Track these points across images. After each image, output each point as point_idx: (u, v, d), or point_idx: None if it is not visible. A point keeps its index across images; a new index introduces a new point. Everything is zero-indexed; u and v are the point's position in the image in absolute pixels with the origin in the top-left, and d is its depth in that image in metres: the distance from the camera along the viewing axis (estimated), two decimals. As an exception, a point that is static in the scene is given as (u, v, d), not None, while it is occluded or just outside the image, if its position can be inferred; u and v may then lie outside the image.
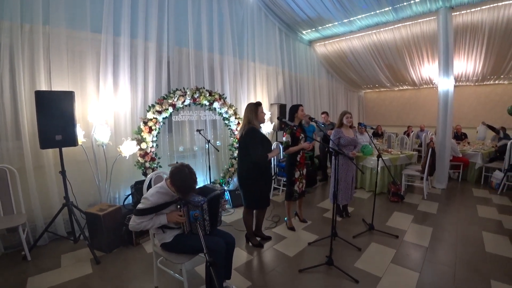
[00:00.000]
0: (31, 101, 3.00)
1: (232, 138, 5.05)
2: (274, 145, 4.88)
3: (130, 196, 3.73)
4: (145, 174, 3.73)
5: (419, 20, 6.03)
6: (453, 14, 5.41)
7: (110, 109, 3.67)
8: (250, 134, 2.85)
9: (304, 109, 3.55)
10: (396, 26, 6.39)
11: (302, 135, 3.33)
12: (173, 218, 2.07)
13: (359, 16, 6.14)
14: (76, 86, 3.41)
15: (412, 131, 9.11)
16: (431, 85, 9.07)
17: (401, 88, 10.40)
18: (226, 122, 4.94)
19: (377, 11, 5.86)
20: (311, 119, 3.71)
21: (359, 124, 3.97)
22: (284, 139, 3.32)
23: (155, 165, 3.83)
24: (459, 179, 6.13)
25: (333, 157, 2.76)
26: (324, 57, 8.47)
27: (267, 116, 5.61)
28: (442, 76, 5.38)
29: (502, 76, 7.78)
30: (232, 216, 4.14)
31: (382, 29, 6.61)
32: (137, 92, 3.96)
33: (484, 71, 7.47)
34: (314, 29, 7.10)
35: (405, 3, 5.47)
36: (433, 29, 5.99)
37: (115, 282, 2.51)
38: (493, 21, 5.53)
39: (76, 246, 3.15)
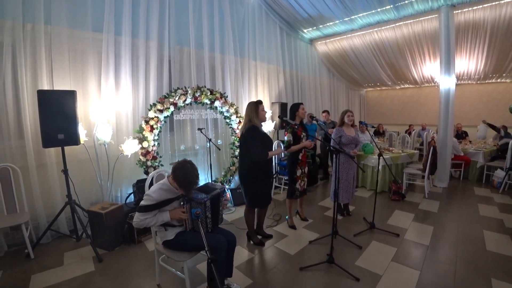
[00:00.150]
0: (33, 100, 3.02)
1: (233, 137, 5.07)
2: (275, 144, 4.89)
3: (132, 195, 3.76)
4: (146, 173, 3.75)
5: (420, 18, 6.01)
6: (454, 12, 5.38)
7: (111, 108, 3.68)
8: (250, 132, 2.85)
9: (305, 107, 3.56)
10: (397, 24, 6.36)
11: (303, 133, 3.33)
12: (176, 215, 2.09)
13: (360, 15, 6.12)
14: (78, 85, 3.42)
15: (414, 130, 9.09)
16: (432, 84, 9.05)
17: (402, 86, 10.38)
18: (227, 120, 4.95)
19: (378, 9, 5.84)
20: (312, 117, 3.72)
21: (360, 122, 3.97)
22: (285, 138, 3.33)
23: (156, 163, 3.85)
24: (461, 178, 6.13)
25: (334, 156, 2.77)
26: (325, 55, 8.45)
27: (268, 115, 5.61)
28: (443, 75, 5.37)
29: (504, 75, 7.75)
30: (233, 214, 4.15)
31: (383, 27, 6.59)
32: (138, 91, 3.98)
33: (486, 69, 7.45)
34: (315, 28, 7.08)
35: (406, 1, 5.46)
36: (435, 27, 5.97)
37: (117, 279, 2.53)
38: (495, 19, 5.50)
39: (78, 244, 3.18)
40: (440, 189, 5.36)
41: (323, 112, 6.19)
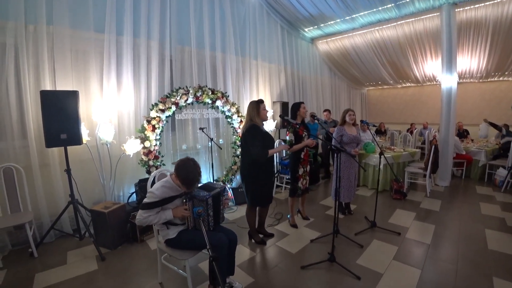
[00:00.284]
0: (36, 101, 3.05)
1: (234, 136, 5.08)
2: (276, 143, 4.90)
3: (134, 194, 3.78)
4: (148, 172, 3.77)
5: (422, 17, 5.99)
6: (456, 10, 5.37)
7: (113, 108, 3.71)
8: (251, 131, 2.87)
9: (306, 106, 3.57)
10: (398, 23, 6.35)
11: (305, 132, 3.34)
12: (178, 213, 2.11)
13: (362, 13, 6.11)
14: (80, 86, 3.44)
15: (415, 129, 9.07)
16: (434, 82, 9.02)
17: (404, 85, 10.34)
18: (229, 120, 4.97)
19: (380, 8, 5.83)
20: (313, 116, 3.72)
21: (361, 121, 3.97)
22: (287, 138, 3.34)
23: (158, 163, 3.87)
24: (463, 177, 6.11)
25: (335, 155, 2.77)
26: (327, 54, 8.44)
27: (269, 114, 5.62)
28: (445, 73, 5.35)
29: (506, 73, 7.71)
30: (235, 213, 4.16)
31: (384, 26, 6.57)
32: (140, 91, 4.00)
33: (488, 67, 7.40)
34: (316, 27, 7.08)
35: (407, 0, 5.44)
36: (436, 26, 5.95)
37: (120, 278, 2.56)
38: (497, 17, 5.47)
39: (81, 243, 3.21)
40: (441, 188, 5.35)
41: (324, 111, 6.20)
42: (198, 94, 4.31)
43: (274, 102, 6.27)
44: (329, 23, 6.76)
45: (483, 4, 5.33)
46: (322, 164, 6.23)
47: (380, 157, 3.65)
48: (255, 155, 2.82)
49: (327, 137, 5.48)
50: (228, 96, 4.90)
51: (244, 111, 5.22)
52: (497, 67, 7.32)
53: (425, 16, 5.94)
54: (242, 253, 2.98)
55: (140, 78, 3.99)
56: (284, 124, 5.82)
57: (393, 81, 9.81)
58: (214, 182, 4.43)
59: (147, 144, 3.73)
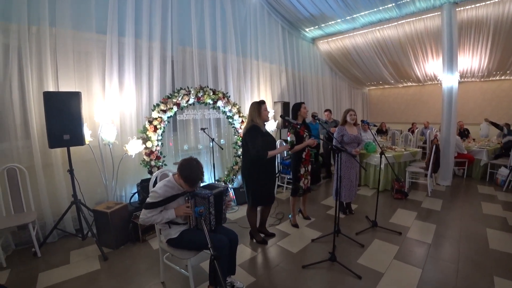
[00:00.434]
0: (39, 102, 3.07)
1: (236, 136, 5.09)
2: (278, 143, 4.91)
3: (136, 194, 3.80)
4: (150, 172, 3.80)
5: (422, 16, 5.99)
6: (457, 9, 5.36)
7: (116, 109, 3.73)
8: (251, 132, 2.90)
9: (307, 106, 3.58)
10: (399, 22, 6.35)
11: (306, 132, 3.35)
12: (180, 211, 2.13)
13: (362, 13, 6.12)
14: (83, 87, 3.47)
15: (417, 128, 9.05)
16: (435, 82, 9.01)
17: (405, 84, 10.33)
18: (230, 120, 4.98)
19: (380, 8, 5.83)
20: (314, 117, 3.73)
21: (362, 121, 3.98)
22: (288, 138, 3.35)
23: (160, 163, 3.89)
24: (464, 176, 6.10)
25: (336, 155, 2.78)
26: (328, 54, 8.44)
27: (270, 114, 5.64)
28: (446, 73, 5.34)
29: (508, 72, 7.69)
30: (236, 213, 4.19)
31: (385, 26, 6.58)
32: (142, 92, 4.02)
33: (490, 66, 7.39)
34: (317, 27, 7.09)
35: (408, -1, 5.45)
36: (437, 25, 5.94)
37: (122, 277, 2.58)
38: (498, 16, 5.46)
39: (84, 243, 3.23)
40: (443, 187, 5.35)
41: (325, 111, 6.21)
42: (200, 94, 4.33)
43: (275, 102, 6.28)
44: (329, 23, 6.77)
45: (483, 3, 5.33)
46: (323, 164, 6.24)
47: (381, 157, 3.65)
48: (254, 156, 2.84)
49: (328, 137, 5.49)
50: (229, 96, 4.91)
51: (245, 111, 5.24)
52: (498, 66, 7.31)
53: (426, 16, 5.94)
54: (244, 252, 3.00)
55: (142, 79, 4.02)
56: (285, 124, 5.84)
57: (394, 80, 9.80)
58: (216, 182, 4.46)
59: (149, 144, 3.76)
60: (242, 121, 4.97)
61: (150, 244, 3.25)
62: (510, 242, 3.08)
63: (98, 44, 3.60)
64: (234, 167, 5.01)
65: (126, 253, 3.05)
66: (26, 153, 3.16)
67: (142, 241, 3.29)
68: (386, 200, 4.64)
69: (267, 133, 3.06)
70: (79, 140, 2.98)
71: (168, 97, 4.03)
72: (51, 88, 3.20)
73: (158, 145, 3.88)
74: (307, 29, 7.30)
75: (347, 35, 7.31)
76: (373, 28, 6.76)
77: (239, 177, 4.99)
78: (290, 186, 3.71)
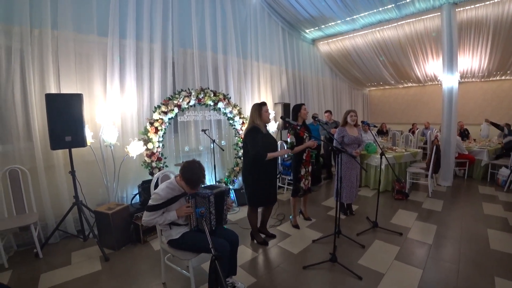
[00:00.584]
0: (41, 104, 3.09)
1: (236, 138, 5.11)
2: (279, 145, 4.92)
3: (138, 195, 3.82)
4: (151, 174, 3.81)
5: (422, 17, 6.01)
6: (457, 10, 5.38)
7: (117, 111, 3.75)
8: (251, 133, 2.92)
9: (307, 108, 3.59)
10: (399, 23, 6.37)
11: (306, 134, 3.36)
12: (181, 212, 2.15)
13: (362, 14, 6.14)
14: (84, 88, 3.50)
15: (417, 129, 9.05)
16: (436, 82, 9.01)
17: (405, 85, 10.34)
18: (231, 122, 5.00)
19: (380, 9, 5.85)
20: (314, 118, 3.75)
21: (362, 122, 3.99)
22: (288, 140, 3.36)
23: (161, 164, 3.91)
24: (465, 177, 6.09)
25: (336, 156, 2.79)
26: (328, 55, 8.46)
27: (271, 116, 5.65)
28: (446, 73, 5.35)
29: (508, 72, 7.70)
30: (237, 214, 4.19)
31: (385, 27, 6.60)
32: (143, 93, 4.04)
33: (490, 66, 7.40)
34: (317, 28, 7.11)
35: (408, 0, 5.46)
36: (437, 26, 5.96)
37: (123, 278, 2.59)
38: (497, 16, 5.48)
39: (85, 244, 3.25)
40: (444, 188, 5.35)
41: (325, 112, 6.22)
42: (200, 96, 4.34)
43: (275, 104, 6.30)
44: (329, 24, 6.79)
45: (483, 4, 5.34)
46: (324, 165, 6.25)
47: (381, 158, 3.65)
48: (253, 156, 2.86)
49: (328, 138, 5.50)
50: (230, 98, 4.93)
51: (246, 112, 5.26)
52: (498, 66, 7.31)
53: (426, 16, 5.96)
54: (244, 253, 3.00)
55: (143, 81, 4.04)
56: (285, 125, 5.85)
57: (394, 81, 9.81)
58: (217, 183, 4.47)
59: (150, 146, 3.77)
60: (243, 123, 4.99)
61: (151, 245, 3.26)
62: (511, 243, 3.07)
63: (99, 46, 3.63)
64: (235, 168, 5.02)
65: (127, 254, 3.06)
66: (28, 155, 3.18)
67: (143, 242, 3.30)
68: (387, 201, 4.64)
69: (268, 134, 3.07)
70: (80, 141, 3.00)
71: (169, 99, 4.05)
72: (53, 90, 3.22)
73: (159, 146, 3.90)
74: (307, 30, 7.32)
75: (347, 36, 7.33)
76: (373, 29, 6.78)
77: (240, 178, 5.00)
78: (291, 187, 3.72)
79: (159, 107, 3.93)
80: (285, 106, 6.08)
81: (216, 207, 2.18)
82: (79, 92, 3.25)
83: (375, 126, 4.32)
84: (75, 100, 2.93)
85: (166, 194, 2.09)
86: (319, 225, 3.72)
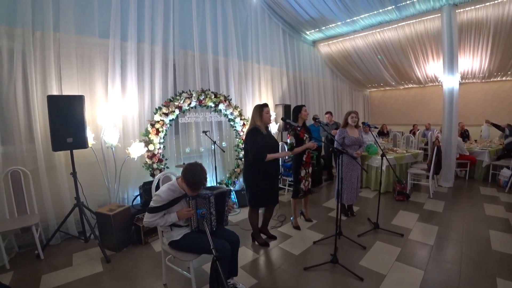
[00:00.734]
0: (43, 105, 3.11)
1: (237, 139, 5.12)
2: (280, 146, 4.92)
3: (139, 197, 3.82)
4: (152, 175, 3.82)
5: (423, 18, 6.02)
6: (457, 11, 5.39)
7: (118, 112, 3.76)
8: (251, 134, 2.94)
9: (307, 109, 3.59)
10: (399, 24, 6.38)
11: (306, 135, 3.37)
12: (183, 214, 2.15)
13: (362, 16, 6.15)
14: (86, 90, 3.51)
15: (418, 130, 9.04)
16: (436, 83, 9.00)
17: (406, 86, 10.34)
18: (232, 123, 5.01)
19: (380, 10, 5.86)
20: (315, 119, 3.75)
21: (363, 123, 3.99)
22: (288, 141, 3.37)
23: (162, 166, 3.92)
24: (466, 177, 6.08)
25: (337, 157, 2.79)
26: (328, 57, 8.48)
27: (272, 117, 5.66)
28: (446, 74, 5.36)
29: (509, 73, 7.69)
30: (238, 216, 4.19)
31: (385, 28, 6.61)
32: (144, 95, 4.06)
33: (491, 67, 7.39)
34: (317, 30, 7.13)
35: (408, 2, 5.47)
36: (437, 27, 5.97)
37: (125, 280, 2.59)
38: (498, 17, 5.48)
39: (87, 245, 3.24)
40: (445, 189, 5.34)
41: (326, 113, 6.22)
42: (201, 97, 4.36)
43: (276, 105, 6.31)
44: (330, 26, 6.81)
45: (483, 5, 5.35)
46: (324, 166, 6.24)
47: (382, 159, 3.65)
48: (252, 157, 2.88)
49: (329, 140, 5.50)
50: (231, 99, 4.94)
51: (247, 114, 5.28)
52: (499, 67, 7.31)
53: (426, 18, 5.97)
54: (245, 254, 3.00)
55: (144, 83, 4.06)
56: (286, 126, 5.85)
57: (395, 82, 9.81)
58: (218, 185, 4.48)
59: (151, 147, 3.78)
60: (244, 124, 5.00)
61: (152, 246, 3.27)
62: (513, 244, 3.07)
63: (101, 49, 3.65)
64: (236, 169, 5.02)
65: (128, 255, 3.06)
66: (30, 156, 3.19)
67: (145, 243, 3.30)
68: (388, 202, 4.63)
69: (268, 135, 3.07)
70: (82, 143, 3.00)
71: (170, 100, 4.06)
72: (54, 91, 3.24)
73: (160, 148, 3.91)
74: (307, 32, 7.34)
75: (348, 37, 7.35)
76: (373, 31, 6.80)
77: (241, 179, 5.01)
78: (291, 188, 3.72)
79: (160, 108, 3.94)
80: (286, 108, 6.09)
81: (217, 208, 2.19)
82: (80, 93, 3.26)
83: (375, 127, 4.33)
84: (76, 102, 2.94)
85: (167, 196, 2.10)
86: (320, 227, 3.72)
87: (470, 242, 3.15)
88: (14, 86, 3.05)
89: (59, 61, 3.31)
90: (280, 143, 5.12)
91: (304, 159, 3.45)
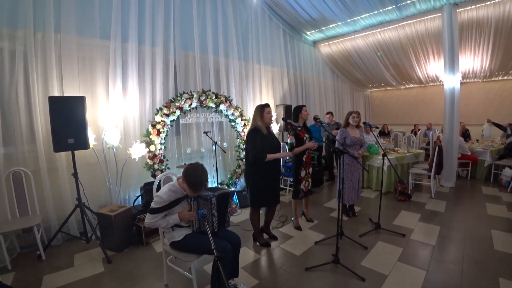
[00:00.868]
0: (44, 106, 3.12)
1: (238, 140, 5.12)
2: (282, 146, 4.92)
3: (140, 197, 3.83)
4: (154, 176, 3.82)
5: (423, 18, 6.01)
6: (457, 10, 5.38)
7: (119, 113, 3.77)
8: (251, 134, 2.94)
9: (308, 109, 3.59)
10: (400, 24, 6.37)
11: (306, 135, 3.37)
12: (184, 216, 2.15)
13: (363, 16, 6.15)
14: (87, 91, 3.52)
15: (419, 130, 9.02)
16: (437, 83, 8.99)
17: (407, 86, 10.33)
18: (233, 123, 5.01)
19: (381, 10, 5.86)
20: (315, 119, 3.75)
21: (364, 123, 3.98)
22: (288, 140, 3.37)
23: (163, 166, 3.92)
24: (468, 177, 6.06)
25: (338, 157, 2.79)
26: (329, 57, 8.48)
27: (273, 118, 5.66)
28: (447, 73, 5.34)
29: (510, 72, 7.67)
30: (239, 216, 4.19)
31: (386, 28, 6.60)
32: (145, 96, 4.06)
33: (492, 67, 7.37)
34: (318, 30, 7.13)
35: (408, 1, 5.47)
36: (438, 26, 5.96)
37: (126, 280, 2.59)
38: (499, 16, 5.47)
39: (88, 246, 3.25)
40: (447, 189, 5.32)
41: (327, 113, 6.22)
42: (202, 98, 4.36)
43: (277, 105, 6.31)
44: (330, 26, 6.80)
45: (484, 4, 5.34)
46: (326, 166, 6.24)
47: (383, 159, 3.65)
48: (252, 157, 2.88)
49: (330, 140, 5.50)
50: (232, 100, 4.94)
51: (248, 114, 5.28)
52: (500, 66, 7.29)
53: (427, 17, 5.96)
54: (247, 255, 3.00)
55: (145, 84, 4.06)
56: (287, 127, 5.85)
57: (396, 82, 9.80)
58: (219, 185, 4.48)
59: (152, 148, 3.79)
60: (245, 125, 5.00)
61: (154, 247, 3.27)
62: (515, 243, 3.05)
63: (102, 50, 3.66)
64: (237, 170, 5.02)
65: (129, 256, 3.06)
66: (32, 157, 3.20)
67: (146, 244, 3.30)
68: (389, 202, 4.62)
69: (270, 135, 3.07)
70: (83, 144, 3.01)
71: (171, 101, 4.07)
72: (56, 92, 3.25)
73: (161, 148, 3.91)
74: (308, 32, 7.34)
75: (348, 37, 7.34)
76: (374, 31, 6.79)
77: (242, 180, 5.00)
78: (292, 189, 3.72)
79: (161, 109, 3.95)
80: (287, 108, 6.09)
81: (218, 209, 2.18)
82: (82, 94, 3.27)
83: (377, 127, 4.32)
84: (78, 103, 2.95)
85: (168, 197, 2.10)
86: (321, 227, 3.71)
87: (472, 242, 3.14)
88: (16, 87, 3.06)
89: (60, 62, 3.32)
90: (281, 144, 5.12)
91: (304, 159, 3.45)
